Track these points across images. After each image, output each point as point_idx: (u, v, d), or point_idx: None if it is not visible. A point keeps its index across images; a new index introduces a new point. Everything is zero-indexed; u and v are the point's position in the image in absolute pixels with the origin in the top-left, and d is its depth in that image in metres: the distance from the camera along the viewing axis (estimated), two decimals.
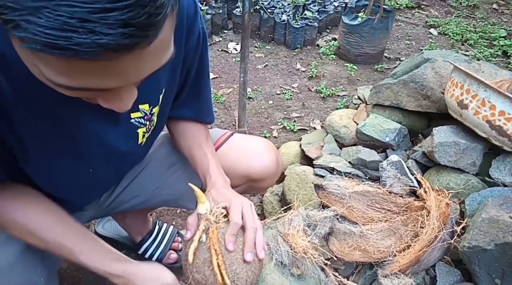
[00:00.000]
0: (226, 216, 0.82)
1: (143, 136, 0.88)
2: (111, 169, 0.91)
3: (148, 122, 0.86)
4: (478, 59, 2.93)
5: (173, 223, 1.70)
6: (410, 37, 3.82)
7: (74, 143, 0.75)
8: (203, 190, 0.87)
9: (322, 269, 1.07)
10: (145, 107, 0.82)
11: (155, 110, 0.86)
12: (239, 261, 0.78)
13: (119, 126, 0.80)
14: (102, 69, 0.45)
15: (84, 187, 0.89)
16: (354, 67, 3.05)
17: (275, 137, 2.32)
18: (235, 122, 2.38)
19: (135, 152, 0.92)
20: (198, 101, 1.02)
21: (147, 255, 1.46)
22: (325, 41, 3.62)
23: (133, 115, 0.81)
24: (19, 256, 0.82)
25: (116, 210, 1.16)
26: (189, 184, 0.86)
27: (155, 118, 0.88)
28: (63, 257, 0.80)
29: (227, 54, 3.38)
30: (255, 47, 3.49)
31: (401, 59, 3.35)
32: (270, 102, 2.70)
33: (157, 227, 1.52)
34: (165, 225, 1.55)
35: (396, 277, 0.99)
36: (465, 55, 3.13)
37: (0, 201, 0.77)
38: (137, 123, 0.83)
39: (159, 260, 1.46)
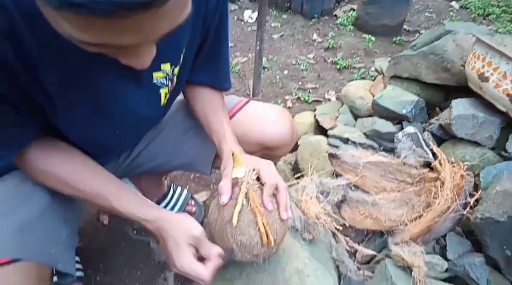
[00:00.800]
0: (257, 179, 0.84)
1: (165, 96, 0.89)
2: (134, 129, 0.93)
3: (170, 83, 0.87)
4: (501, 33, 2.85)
5: (187, 187, 1.73)
6: (431, 10, 3.72)
7: (98, 101, 0.76)
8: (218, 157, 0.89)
9: (333, 235, 1.09)
10: (166, 66, 0.82)
11: (176, 70, 0.86)
12: (277, 220, 0.80)
13: (142, 87, 0.81)
14: (120, 26, 0.45)
15: (107, 145, 0.92)
16: (372, 39, 2.99)
17: (289, 107, 2.32)
18: (249, 92, 2.37)
19: (157, 113, 0.94)
20: (216, 65, 1.01)
21: None
22: (343, 11, 3.54)
23: (155, 75, 0.82)
24: (41, 213, 0.86)
25: (133, 172, 1.19)
26: (231, 149, 0.87)
27: (175, 78, 0.89)
28: (98, 204, 0.84)
29: (242, 23, 3.34)
30: (271, 16, 3.43)
31: (421, 32, 3.27)
32: (285, 72, 2.67)
33: (171, 190, 1.55)
34: (179, 188, 1.58)
35: (406, 245, 1.01)
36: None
37: (37, 154, 0.80)
38: (159, 84, 0.84)
39: None
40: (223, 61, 1.03)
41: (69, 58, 0.65)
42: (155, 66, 0.80)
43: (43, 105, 0.72)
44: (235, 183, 0.82)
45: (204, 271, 0.75)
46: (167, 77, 0.85)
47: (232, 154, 0.85)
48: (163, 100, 0.89)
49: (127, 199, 0.83)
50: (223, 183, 0.83)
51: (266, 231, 0.77)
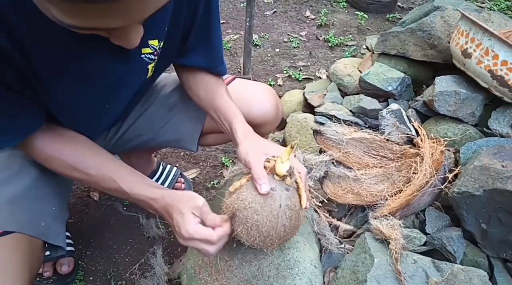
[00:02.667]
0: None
1: (152, 70, 0.90)
2: (123, 103, 0.96)
3: (157, 57, 0.88)
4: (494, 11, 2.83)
5: (177, 165, 1.75)
6: None
7: (86, 77, 0.77)
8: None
9: (315, 211, 1.12)
10: (154, 42, 0.83)
11: (162, 44, 0.87)
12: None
13: (131, 62, 0.82)
14: (106, 10, 0.45)
15: (97, 119, 0.94)
16: (365, 16, 2.97)
17: (279, 85, 2.32)
18: (240, 69, 2.37)
19: (145, 86, 0.96)
20: (208, 46, 1.00)
21: None
22: None
23: (143, 50, 0.83)
24: (31, 186, 0.89)
25: (121, 148, 1.21)
26: (292, 145, 0.84)
27: (160, 51, 0.89)
28: (105, 187, 0.86)
29: None
30: None
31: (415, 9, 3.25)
32: (277, 50, 2.66)
33: (161, 167, 1.57)
34: (168, 166, 1.61)
35: (385, 219, 1.03)
36: (480, 7, 3.02)
37: (44, 141, 0.82)
38: (147, 59, 0.85)
39: None
40: (215, 41, 1.01)
41: (57, 37, 0.66)
42: (144, 43, 0.82)
43: (36, 89, 0.73)
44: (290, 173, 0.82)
45: (211, 231, 0.78)
46: (155, 52, 0.86)
47: (291, 146, 0.82)
48: (149, 74, 0.90)
49: (134, 180, 0.85)
50: (261, 172, 0.82)
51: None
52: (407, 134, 1.25)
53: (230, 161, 1.76)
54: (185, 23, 0.91)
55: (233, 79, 1.19)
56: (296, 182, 0.84)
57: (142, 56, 0.83)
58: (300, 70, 2.47)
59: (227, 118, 0.97)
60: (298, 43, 2.72)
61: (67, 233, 1.36)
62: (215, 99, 1.01)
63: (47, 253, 1.14)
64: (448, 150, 1.18)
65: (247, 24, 1.97)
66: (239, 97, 1.13)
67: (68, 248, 1.28)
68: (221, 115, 0.99)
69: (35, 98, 0.75)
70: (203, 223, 0.80)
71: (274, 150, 0.88)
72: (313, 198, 1.05)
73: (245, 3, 3.14)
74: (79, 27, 0.48)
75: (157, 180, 1.55)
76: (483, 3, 3.35)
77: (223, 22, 2.92)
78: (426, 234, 1.08)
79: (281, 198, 0.81)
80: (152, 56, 0.86)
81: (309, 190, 1.06)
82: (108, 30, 0.52)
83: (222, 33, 1.04)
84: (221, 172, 1.73)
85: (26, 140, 0.80)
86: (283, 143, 1.64)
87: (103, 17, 0.47)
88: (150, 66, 0.88)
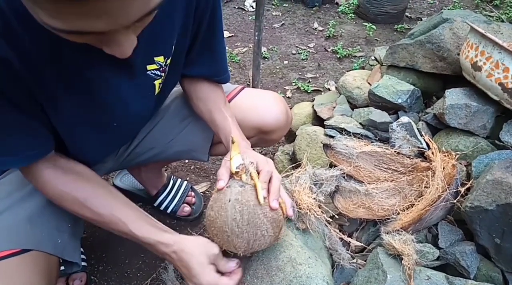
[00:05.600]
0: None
1: (159, 87, 0.91)
2: (129, 120, 0.95)
3: (163, 74, 0.89)
4: (502, 21, 2.82)
5: (187, 178, 1.76)
6: None
7: (92, 95, 0.78)
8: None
9: (326, 225, 1.12)
10: (160, 59, 0.85)
11: (169, 61, 0.88)
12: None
13: (136, 79, 0.83)
14: (88, 10, 0.45)
15: (106, 139, 0.94)
16: (373, 27, 2.98)
17: (288, 97, 2.33)
18: (249, 82, 2.38)
19: (152, 104, 0.96)
20: (211, 57, 1.02)
21: (162, 208, 1.54)
22: None
23: (149, 67, 0.84)
24: (47, 204, 0.89)
25: (133, 162, 1.22)
26: (232, 135, 0.91)
27: (167, 69, 0.91)
28: (114, 228, 0.85)
29: (243, 11, 3.33)
30: (272, 4, 3.42)
31: (423, 19, 3.25)
32: (286, 62, 2.68)
33: (171, 181, 1.58)
34: (179, 179, 1.62)
35: (397, 233, 1.03)
36: (489, 16, 3.01)
37: (52, 173, 0.81)
38: (153, 75, 0.86)
39: (173, 212, 1.54)
40: (219, 52, 1.04)
41: (63, 54, 0.67)
42: (149, 59, 0.83)
43: (45, 108, 0.74)
44: (242, 169, 0.85)
45: (229, 281, 0.81)
46: (161, 69, 0.87)
47: (232, 141, 0.88)
48: (157, 90, 0.91)
49: (144, 223, 0.84)
50: (222, 170, 0.86)
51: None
52: (418, 147, 1.24)
53: None
54: (191, 37, 0.93)
55: (242, 88, 1.22)
56: (252, 179, 0.85)
57: (148, 72, 0.85)
58: (309, 82, 2.48)
59: (224, 133, 1.00)
60: (306, 55, 2.73)
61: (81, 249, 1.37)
62: (212, 114, 1.04)
63: (62, 268, 1.15)
64: (460, 164, 1.18)
65: (256, 38, 1.99)
66: (249, 106, 1.15)
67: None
68: (219, 130, 1.02)
69: (44, 119, 0.75)
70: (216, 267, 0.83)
71: (255, 157, 0.90)
72: (323, 213, 1.05)
73: (253, 17, 3.18)
74: (65, 30, 0.48)
75: (168, 194, 1.56)
76: (492, 12, 3.34)
77: (232, 35, 2.95)
78: (439, 248, 1.07)
79: (232, 193, 0.82)
80: (158, 72, 0.87)
81: (318, 205, 1.06)
82: (95, 35, 0.52)
83: (225, 43, 1.05)
84: None
85: (36, 171, 0.79)
86: (293, 156, 1.64)
87: (86, 18, 0.47)
88: (156, 82, 0.89)
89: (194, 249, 0.81)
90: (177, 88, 1.23)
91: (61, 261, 0.95)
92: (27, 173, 0.81)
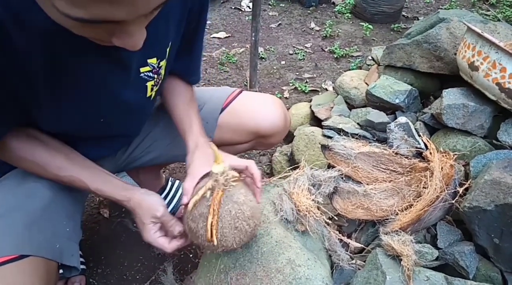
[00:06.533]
0: (236, 181, 0.87)
1: (152, 89, 0.91)
2: (123, 122, 0.96)
3: (156, 75, 0.89)
4: (499, 20, 2.83)
5: None
6: None
7: (86, 94, 0.78)
8: None
9: (325, 226, 1.12)
10: (153, 61, 0.85)
11: (163, 63, 0.89)
12: (231, 226, 0.84)
13: (129, 79, 0.83)
14: None
15: (97, 140, 0.94)
16: (370, 26, 2.98)
17: (286, 98, 2.33)
18: (246, 83, 2.38)
19: (144, 105, 0.96)
20: (188, 57, 1.03)
21: None
22: None
23: (142, 69, 0.84)
24: (45, 209, 0.89)
25: (131, 165, 1.22)
26: (211, 144, 0.93)
27: (162, 71, 0.91)
28: (77, 186, 0.90)
29: (240, 12, 3.32)
30: (269, 5, 3.42)
31: (420, 18, 3.26)
32: (283, 62, 2.68)
33: (169, 183, 1.58)
34: (177, 181, 1.61)
35: (396, 234, 1.03)
36: (485, 15, 3.02)
37: (16, 142, 0.83)
38: (146, 77, 0.86)
39: (172, 213, 1.53)
40: (196, 54, 1.05)
41: (57, 52, 0.67)
42: (143, 61, 0.83)
43: (29, 103, 0.74)
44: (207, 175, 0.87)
45: (166, 243, 0.88)
46: (153, 70, 0.87)
47: (214, 150, 0.88)
48: (149, 92, 0.91)
49: (103, 182, 0.90)
50: (187, 184, 0.87)
51: (211, 231, 0.82)
52: (416, 147, 1.24)
53: None
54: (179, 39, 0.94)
55: (240, 92, 1.21)
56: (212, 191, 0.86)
57: (141, 74, 0.85)
58: (306, 82, 2.48)
59: (183, 128, 1.02)
60: (303, 55, 2.73)
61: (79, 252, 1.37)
62: (176, 107, 1.05)
63: (61, 271, 1.14)
64: (459, 164, 1.18)
65: (253, 39, 1.99)
66: (247, 110, 1.15)
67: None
68: (179, 124, 1.04)
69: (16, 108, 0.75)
70: (163, 227, 0.89)
71: (244, 162, 0.92)
72: (322, 214, 1.05)
73: (250, 17, 3.17)
74: (85, 19, 0.48)
75: (166, 196, 1.55)
76: (488, 10, 3.35)
77: (228, 36, 2.94)
78: (438, 249, 1.07)
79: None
80: (151, 74, 0.87)
81: (317, 206, 1.06)
82: (111, 25, 0.52)
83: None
84: None
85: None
86: (292, 157, 1.64)
87: (109, 5, 0.47)
88: (149, 84, 0.89)
89: (141, 208, 0.88)
90: None
91: (60, 264, 0.95)
92: None
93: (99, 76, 0.76)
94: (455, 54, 1.47)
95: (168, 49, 0.88)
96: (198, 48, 1.04)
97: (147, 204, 0.89)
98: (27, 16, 0.58)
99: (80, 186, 0.89)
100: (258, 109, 1.17)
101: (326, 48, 2.83)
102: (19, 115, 0.78)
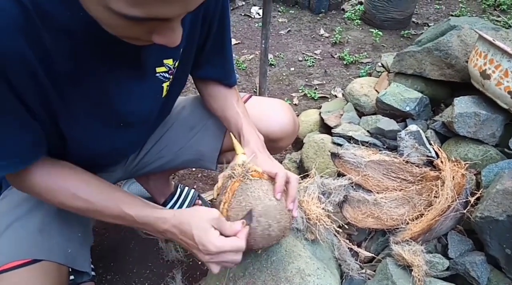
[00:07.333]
0: (258, 175, 0.87)
1: (167, 89, 0.91)
2: (137, 123, 0.93)
3: (171, 76, 0.89)
4: (510, 27, 2.81)
5: (194, 186, 1.76)
6: (440, 1, 3.67)
7: (101, 97, 0.77)
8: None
9: (335, 235, 1.11)
10: (169, 61, 0.85)
11: (177, 64, 0.89)
12: (237, 218, 0.83)
13: (146, 82, 0.83)
14: None
15: (113, 144, 0.93)
16: (380, 33, 2.97)
17: (295, 104, 2.33)
18: (256, 89, 2.39)
19: (159, 106, 0.95)
20: (221, 60, 1.04)
21: None
22: (350, 5, 3.53)
23: (158, 69, 0.84)
24: (56, 214, 0.90)
25: (142, 171, 1.22)
26: (231, 134, 0.94)
27: (175, 71, 0.91)
28: (108, 213, 0.82)
29: (249, 19, 3.34)
30: (278, 11, 3.43)
31: (430, 24, 3.24)
32: (292, 69, 2.68)
33: (179, 189, 1.58)
34: (186, 188, 1.62)
35: (407, 244, 1.02)
36: (496, 21, 3.00)
37: (39, 170, 0.79)
38: (162, 78, 0.86)
39: None
40: (229, 55, 1.06)
41: (78, 55, 0.67)
42: (159, 62, 0.84)
43: (55, 108, 0.72)
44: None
45: (239, 240, 0.77)
46: (169, 71, 0.88)
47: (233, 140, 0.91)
48: (164, 93, 0.91)
49: (137, 204, 0.83)
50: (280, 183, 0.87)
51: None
52: (427, 155, 1.24)
53: None
54: (199, 41, 0.94)
55: (250, 97, 1.22)
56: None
57: (157, 75, 0.85)
58: (316, 88, 2.47)
59: (236, 129, 1.01)
60: (313, 62, 2.73)
61: None
62: (224, 111, 1.06)
63: (71, 277, 1.15)
64: (470, 173, 1.17)
65: (263, 46, 1.99)
66: (256, 114, 1.15)
67: None
68: (231, 126, 1.04)
69: (43, 123, 0.74)
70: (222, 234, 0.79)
71: (276, 168, 0.91)
72: (332, 223, 1.04)
73: (259, 23, 3.19)
74: (140, 17, 0.50)
75: (175, 203, 1.56)
76: (499, 16, 3.32)
77: (238, 43, 2.96)
78: (449, 259, 1.06)
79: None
80: (167, 75, 0.88)
81: (327, 215, 1.06)
82: (158, 23, 0.54)
83: (232, 47, 1.09)
84: None
85: (24, 172, 0.76)
86: (301, 164, 1.64)
87: (163, 3, 0.48)
88: (165, 85, 0.89)
89: (193, 218, 0.78)
90: (186, 97, 1.24)
91: (70, 270, 0.96)
92: (14, 177, 0.78)
93: (115, 77, 0.76)
94: (466, 61, 1.46)
95: (181, 49, 0.89)
96: (229, 50, 1.04)
97: (199, 210, 0.81)
98: (53, 13, 0.59)
99: (113, 212, 0.81)
100: (267, 113, 1.17)
101: (336, 54, 2.83)
102: (41, 138, 0.76)
